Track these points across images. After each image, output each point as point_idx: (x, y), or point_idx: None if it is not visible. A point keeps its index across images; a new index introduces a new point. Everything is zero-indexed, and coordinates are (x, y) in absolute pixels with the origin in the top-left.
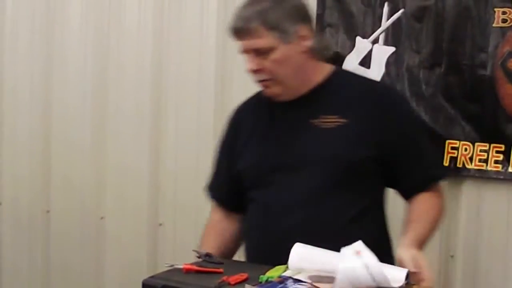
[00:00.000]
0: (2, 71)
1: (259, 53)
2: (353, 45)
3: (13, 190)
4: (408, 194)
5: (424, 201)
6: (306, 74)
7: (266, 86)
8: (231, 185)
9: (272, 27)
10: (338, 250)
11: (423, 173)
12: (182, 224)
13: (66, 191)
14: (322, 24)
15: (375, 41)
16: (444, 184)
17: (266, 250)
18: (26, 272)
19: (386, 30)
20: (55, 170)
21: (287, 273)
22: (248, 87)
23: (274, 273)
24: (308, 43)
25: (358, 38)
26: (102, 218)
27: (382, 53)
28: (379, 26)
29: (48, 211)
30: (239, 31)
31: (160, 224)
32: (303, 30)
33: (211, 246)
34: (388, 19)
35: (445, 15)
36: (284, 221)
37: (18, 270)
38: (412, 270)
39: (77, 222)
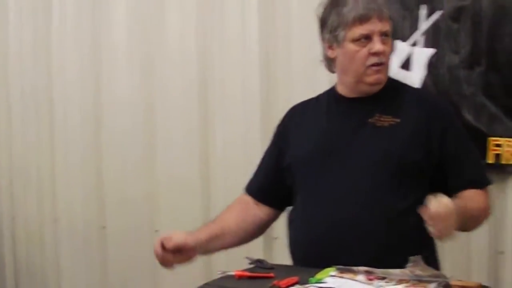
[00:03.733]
0: (52, 99)
1: (384, 37)
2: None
3: (69, 208)
4: (453, 193)
5: (470, 194)
6: None
7: (379, 71)
8: (269, 179)
9: (390, 18)
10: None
11: (470, 176)
12: None
13: (120, 207)
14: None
15: (415, 44)
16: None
17: (313, 240)
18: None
19: (425, 32)
20: (109, 188)
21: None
22: (293, 94)
23: (322, 275)
24: None
25: (398, 42)
26: (156, 231)
27: (422, 55)
28: (418, 29)
29: (104, 227)
30: (375, 13)
31: None
32: None
33: (230, 220)
34: (426, 21)
35: (482, 14)
36: (333, 213)
37: (76, 285)
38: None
39: (132, 236)
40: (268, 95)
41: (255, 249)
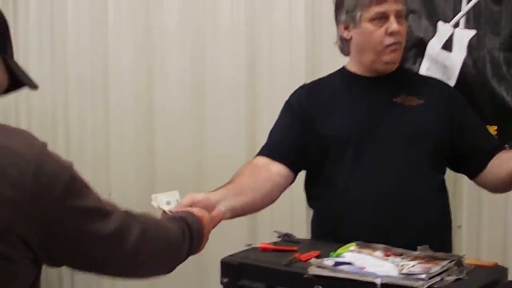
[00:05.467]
0: (107, 82)
1: (399, 17)
2: (435, 30)
3: (122, 183)
4: (477, 166)
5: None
6: None
7: (395, 50)
8: (287, 140)
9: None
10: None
11: (493, 143)
12: (278, 209)
13: (170, 183)
14: (405, 10)
15: (456, 25)
16: None
17: (361, 214)
18: None
19: (467, 14)
20: (159, 165)
21: (353, 248)
22: None
23: (344, 250)
24: None
25: (440, 23)
26: None
27: (463, 36)
28: (460, 10)
29: None
30: None
31: None
32: None
33: (244, 178)
34: (468, 2)
35: None
36: (377, 191)
37: None
38: None
39: None
40: (314, 73)
41: (299, 225)
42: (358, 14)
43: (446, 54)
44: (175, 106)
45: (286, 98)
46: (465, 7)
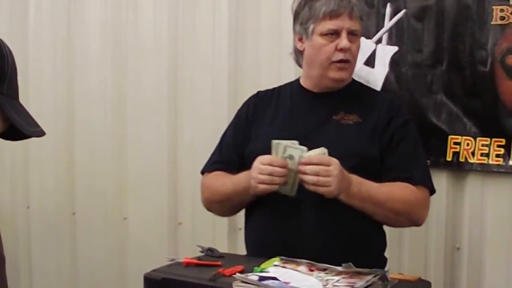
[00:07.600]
0: (27, 87)
1: (351, 35)
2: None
3: (41, 195)
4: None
5: (394, 184)
6: None
7: (343, 68)
8: (229, 155)
9: (361, 19)
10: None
11: (409, 173)
12: (200, 222)
13: (90, 195)
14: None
15: (379, 41)
16: (447, 179)
17: (268, 233)
18: (55, 271)
19: (389, 30)
20: (79, 176)
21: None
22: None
23: (267, 264)
24: None
25: (362, 39)
26: (125, 218)
27: (386, 52)
28: (382, 27)
29: (73, 213)
30: (345, 10)
31: (180, 223)
32: None
33: (225, 181)
34: (390, 19)
35: (445, 14)
36: (292, 206)
37: (47, 269)
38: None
39: (101, 223)
40: (236, 90)
41: (221, 239)
42: (311, 27)
43: (368, 70)
44: (95, 119)
45: (208, 113)
46: (388, 24)
